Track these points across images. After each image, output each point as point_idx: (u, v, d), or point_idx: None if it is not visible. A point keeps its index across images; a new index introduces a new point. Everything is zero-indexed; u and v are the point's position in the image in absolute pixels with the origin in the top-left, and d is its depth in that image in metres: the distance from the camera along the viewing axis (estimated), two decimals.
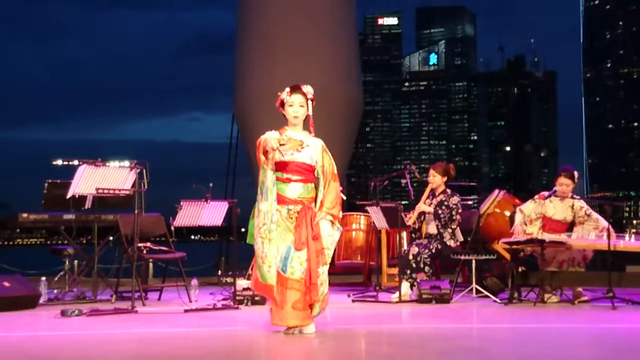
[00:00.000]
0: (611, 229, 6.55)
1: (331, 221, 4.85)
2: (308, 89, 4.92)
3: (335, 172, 4.96)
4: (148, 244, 7.14)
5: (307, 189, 4.85)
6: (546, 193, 7.04)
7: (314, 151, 4.87)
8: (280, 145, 4.69)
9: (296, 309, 4.71)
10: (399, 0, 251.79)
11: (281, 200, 4.78)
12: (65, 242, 7.58)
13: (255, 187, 4.90)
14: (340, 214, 4.94)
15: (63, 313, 5.81)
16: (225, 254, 10.84)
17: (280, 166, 4.81)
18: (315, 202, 4.86)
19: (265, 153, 4.74)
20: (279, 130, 4.91)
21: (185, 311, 6.17)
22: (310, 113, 4.91)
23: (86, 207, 7.16)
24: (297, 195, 4.80)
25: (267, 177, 4.77)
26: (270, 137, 4.73)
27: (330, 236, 4.86)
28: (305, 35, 11.30)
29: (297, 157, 4.83)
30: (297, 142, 4.84)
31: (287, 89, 4.94)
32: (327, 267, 4.86)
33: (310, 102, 4.90)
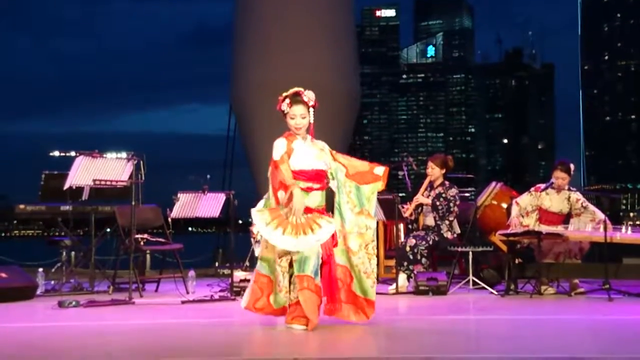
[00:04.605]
0: (608, 221, 6.56)
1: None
2: (309, 96, 4.75)
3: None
4: (145, 236, 7.13)
5: (323, 197, 4.80)
6: (542, 185, 7.05)
7: (326, 156, 4.83)
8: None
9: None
10: None
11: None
12: (63, 233, 7.59)
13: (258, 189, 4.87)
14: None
15: (60, 304, 5.82)
16: (222, 246, 10.83)
17: (300, 174, 4.69)
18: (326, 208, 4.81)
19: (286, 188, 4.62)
20: (286, 137, 4.76)
21: (183, 302, 6.18)
22: (312, 121, 4.77)
23: (83, 199, 7.15)
24: (317, 204, 4.73)
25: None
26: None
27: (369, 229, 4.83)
28: (302, 28, 11.28)
29: (317, 164, 4.75)
30: (317, 150, 4.78)
31: (287, 100, 4.72)
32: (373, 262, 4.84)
33: (312, 110, 4.75)
